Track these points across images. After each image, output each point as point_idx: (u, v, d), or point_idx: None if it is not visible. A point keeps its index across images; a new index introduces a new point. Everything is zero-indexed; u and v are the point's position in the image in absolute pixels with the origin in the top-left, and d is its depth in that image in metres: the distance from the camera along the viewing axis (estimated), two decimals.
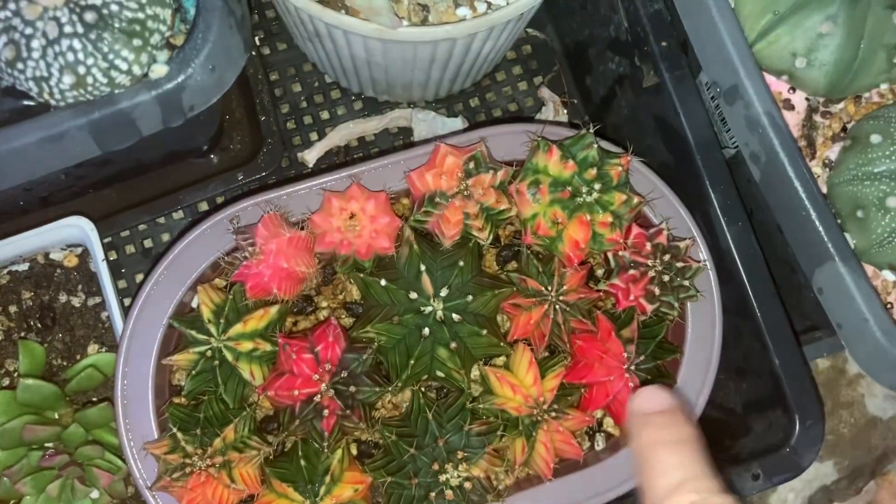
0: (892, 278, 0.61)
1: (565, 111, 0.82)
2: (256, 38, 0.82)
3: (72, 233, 0.68)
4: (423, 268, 0.55)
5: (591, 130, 0.56)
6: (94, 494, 0.62)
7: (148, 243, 0.78)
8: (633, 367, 0.55)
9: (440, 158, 0.56)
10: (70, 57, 0.47)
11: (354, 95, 0.82)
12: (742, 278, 0.62)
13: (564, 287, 0.56)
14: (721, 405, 0.68)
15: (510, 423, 0.56)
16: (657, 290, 0.56)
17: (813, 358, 0.83)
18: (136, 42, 0.48)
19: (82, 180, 0.71)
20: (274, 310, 0.56)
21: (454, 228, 0.56)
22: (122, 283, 0.76)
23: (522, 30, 0.82)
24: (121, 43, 0.48)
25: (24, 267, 0.70)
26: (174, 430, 0.53)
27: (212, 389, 0.55)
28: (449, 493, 0.53)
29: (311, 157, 0.79)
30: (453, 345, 0.54)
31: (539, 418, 0.55)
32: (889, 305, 0.61)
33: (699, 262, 0.59)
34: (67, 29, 0.47)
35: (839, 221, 0.61)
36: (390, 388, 0.55)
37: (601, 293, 0.58)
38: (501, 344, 0.56)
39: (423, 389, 0.58)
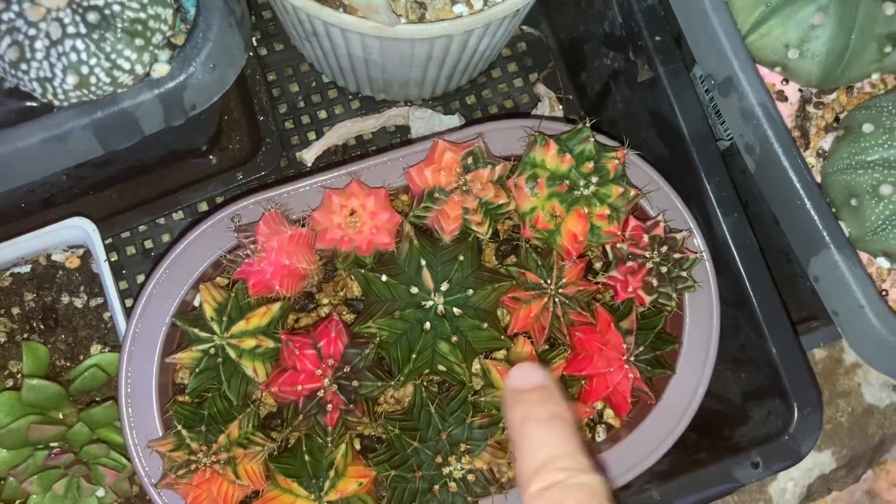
0: (887, 265, 0.62)
1: (561, 107, 0.82)
2: (254, 39, 0.82)
3: (73, 234, 0.68)
4: (423, 263, 0.56)
5: (588, 124, 0.57)
6: (101, 493, 0.62)
7: (148, 244, 0.78)
8: (632, 359, 0.56)
9: (438, 154, 0.56)
10: (73, 57, 0.48)
11: (352, 95, 0.82)
12: (738, 269, 0.63)
13: (563, 280, 0.57)
14: (719, 395, 0.68)
15: None
16: (655, 282, 0.57)
17: (810, 348, 0.84)
18: (139, 42, 0.49)
19: (83, 181, 0.71)
20: (276, 307, 0.56)
21: (453, 223, 0.56)
22: (123, 284, 0.77)
23: (518, 27, 0.83)
24: (123, 43, 0.48)
25: (26, 269, 0.70)
26: (178, 427, 0.53)
27: (215, 387, 0.55)
28: (452, 486, 0.54)
29: (309, 156, 0.79)
30: (454, 338, 0.55)
31: None
32: (884, 292, 0.62)
33: (696, 253, 0.59)
34: (70, 29, 0.47)
35: (833, 210, 0.62)
36: (393, 383, 0.55)
37: (600, 285, 0.59)
38: (502, 337, 0.57)
39: (425, 383, 0.58)
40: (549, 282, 0.56)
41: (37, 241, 0.67)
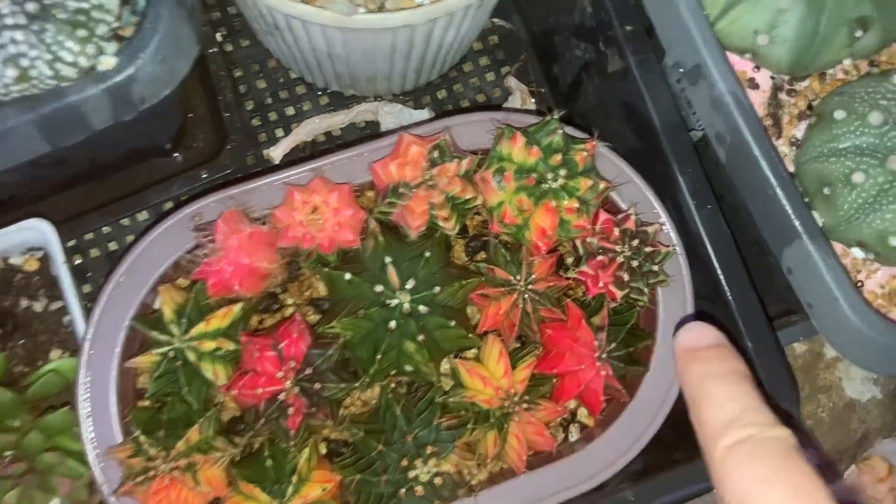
0: (862, 256, 0.61)
1: (533, 100, 0.81)
2: (219, 35, 0.81)
3: (32, 236, 0.66)
4: (388, 260, 0.54)
5: (556, 116, 0.55)
6: (55, 502, 0.60)
7: (113, 246, 0.76)
8: (604, 355, 0.55)
9: (404, 148, 0.55)
10: (12, 49, 0.46)
11: (320, 90, 0.81)
12: (713, 262, 0.62)
13: (533, 276, 0.55)
14: None
15: (481, 416, 0.55)
16: (626, 276, 0.55)
17: (789, 342, 0.83)
18: (81, 33, 0.47)
19: (42, 182, 0.69)
20: (237, 308, 0.54)
21: (420, 219, 0.55)
22: (87, 288, 0.75)
23: (488, 19, 0.81)
24: (65, 34, 0.46)
25: None
26: (137, 433, 0.52)
27: (175, 391, 0.54)
28: (419, 489, 0.53)
29: (277, 153, 0.78)
30: (421, 337, 0.53)
31: (510, 410, 0.54)
32: (859, 283, 0.61)
33: (668, 246, 0.58)
34: (8, 20, 0.45)
35: (807, 200, 0.61)
36: (357, 385, 0.54)
37: (571, 281, 0.58)
38: (470, 335, 0.55)
39: (393, 384, 0.57)
40: (518, 278, 0.55)
41: None
